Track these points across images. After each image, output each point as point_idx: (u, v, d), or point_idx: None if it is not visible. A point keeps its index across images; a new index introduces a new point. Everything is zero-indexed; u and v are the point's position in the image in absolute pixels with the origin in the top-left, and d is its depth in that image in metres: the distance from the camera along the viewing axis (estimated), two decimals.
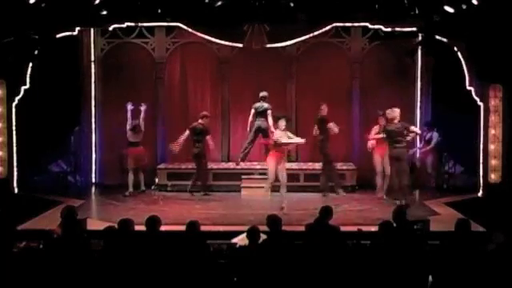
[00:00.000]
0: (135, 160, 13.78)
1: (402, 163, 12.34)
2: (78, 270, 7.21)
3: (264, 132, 13.87)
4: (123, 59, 15.15)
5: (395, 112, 12.44)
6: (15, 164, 13.13)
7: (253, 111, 13.88)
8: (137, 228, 7.90)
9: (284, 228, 7.87)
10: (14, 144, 13.12)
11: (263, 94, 13.90)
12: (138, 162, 13.82)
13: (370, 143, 13.42)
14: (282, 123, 12.83)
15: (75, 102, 14.73)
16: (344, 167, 14.40)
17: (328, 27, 13.90)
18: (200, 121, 13.74)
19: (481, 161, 13.14)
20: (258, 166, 14.21)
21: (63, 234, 7.72)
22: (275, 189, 12.76)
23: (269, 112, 13.79)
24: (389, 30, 13.35)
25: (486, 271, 7.06)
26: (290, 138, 12.95)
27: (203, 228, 8.02)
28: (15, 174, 13.15)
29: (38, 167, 14.30)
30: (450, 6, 11.94)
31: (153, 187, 14.33)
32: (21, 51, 12.51)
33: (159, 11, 12.93)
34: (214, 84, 15.44)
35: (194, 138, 13.66)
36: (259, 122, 13.88)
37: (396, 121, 12.39)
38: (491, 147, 12.96)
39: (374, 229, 8.08)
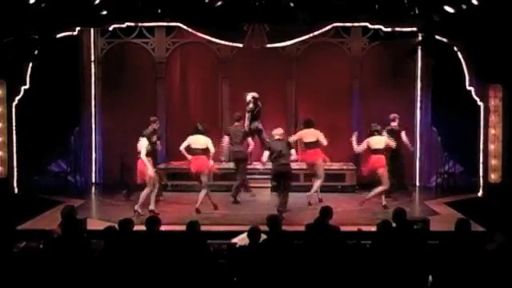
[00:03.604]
0: None
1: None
2: (78, 270, 7.22)
3: (260, 133, 13.82)
4: (123, 59, 15.14)
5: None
6: (15, 164, 13.14)
7: (248, 115, 13.52)
8: (137, 228, 7.92)
9: (284, 228, 7.87)
10: (14, 144, 13.13)
11: (255, 94, 13.67)
12: None
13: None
14: None
15: (75, 102, 14.72)
16: (344, 167, 14.39)
17: (328, 27, 13.90)
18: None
19: (481, 161, 13.16)
20: (259, 166, 14.19)
21: (63, 233, 7.73)
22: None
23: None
24: (389, 30, 13.35)
25: (486, 271, 7.06)
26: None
27: (203, 228, 8.03)
28: (15, 174, 13.16)
29: (37, 167, 14.28)
30: (450, 6, 11.94)
31: None
32: (21, 51, 12.48)
33: (159, 11, 12.93)
34: (213, 84, 15.43)
35: None
36: (256, 124, 13.81)
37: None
38: (491, 147, 12.98)
39: (374, 229, 8.08)
